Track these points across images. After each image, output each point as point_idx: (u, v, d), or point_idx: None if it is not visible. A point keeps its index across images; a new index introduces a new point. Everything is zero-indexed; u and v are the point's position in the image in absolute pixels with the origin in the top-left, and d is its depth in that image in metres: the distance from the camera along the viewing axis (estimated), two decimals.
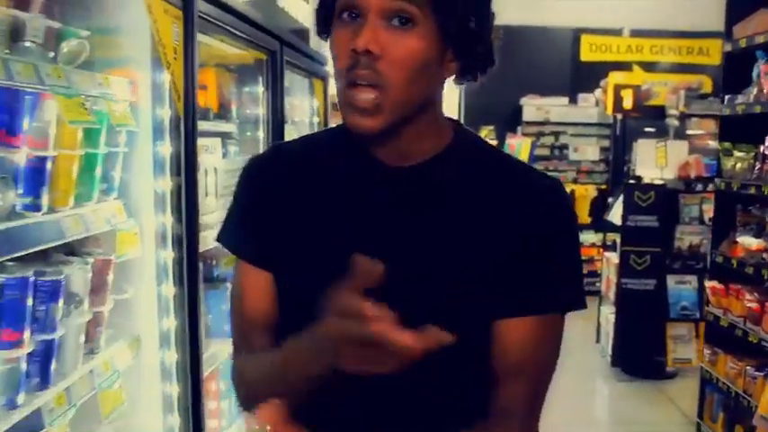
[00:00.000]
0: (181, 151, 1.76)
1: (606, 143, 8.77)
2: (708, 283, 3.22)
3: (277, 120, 2.71)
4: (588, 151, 8.94)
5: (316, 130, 3.48)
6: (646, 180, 5.79)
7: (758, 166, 2.83)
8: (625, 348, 5.63)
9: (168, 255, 1.81)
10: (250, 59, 2.66)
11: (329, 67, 3.15)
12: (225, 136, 2.59)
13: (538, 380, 1.09)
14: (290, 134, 2.93)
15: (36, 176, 1.36)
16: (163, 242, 1.80)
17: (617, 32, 9.14)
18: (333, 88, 2.54)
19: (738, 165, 3.01)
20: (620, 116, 7.58)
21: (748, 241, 2.88)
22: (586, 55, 9.16)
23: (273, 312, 1.13)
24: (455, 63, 1.04)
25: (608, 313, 5.93)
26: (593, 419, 5.10)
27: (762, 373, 2.70)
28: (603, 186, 7.66)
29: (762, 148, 2.80)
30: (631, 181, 5.83)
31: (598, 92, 8.56)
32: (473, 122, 9.00)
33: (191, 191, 1.81)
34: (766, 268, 2.73)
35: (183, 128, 1.76)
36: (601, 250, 6.85)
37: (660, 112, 8.11)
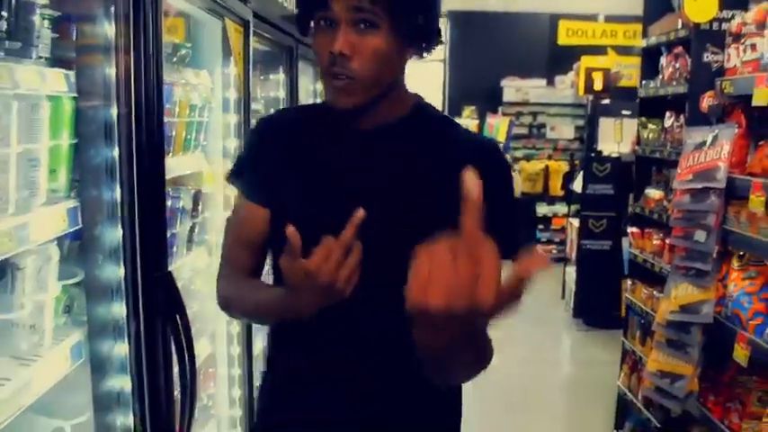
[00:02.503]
0: (241, 120, 2.76)
1: (581, 122, 9.35)
2: (629, 229, 4.20)
3: (294, 99, 3.68)
4: (564, 130, 9.67)
5: None
6: (605, 154, 6.62)
7: (663, 135, 3.83)
8: (585, 302, 6.45)
9: (231, 190, 2.80)
10: (272, 54, 3.63)
11: None
12: (252, 113, 3.56)
13: None
14: None
15: (167, 133, 2.34)
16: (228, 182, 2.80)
17: (592, 18, 9.82)
18: None
19: (651, 135, 3.97)
20: (590, 97, 8.37)
21: (653, 193, 3.86)
22: (563, 39, 9.86)
23: (259, 240, 1.44)
24: (412, 49, 1.32)
25: (571, 272, 6.77)
26: (556, 360, 6.05)
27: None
28: (576, 162, 8.43)
29: (664, 121, 3.79)
30: (592, 154, 6.66)
31: (571, 74, 9.23)
32: (456, 103, 9.70)
33: None
34: (665, 213, 3.69)
35: (243, 104, 2.76)
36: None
37: (632, 94, 8.97)
